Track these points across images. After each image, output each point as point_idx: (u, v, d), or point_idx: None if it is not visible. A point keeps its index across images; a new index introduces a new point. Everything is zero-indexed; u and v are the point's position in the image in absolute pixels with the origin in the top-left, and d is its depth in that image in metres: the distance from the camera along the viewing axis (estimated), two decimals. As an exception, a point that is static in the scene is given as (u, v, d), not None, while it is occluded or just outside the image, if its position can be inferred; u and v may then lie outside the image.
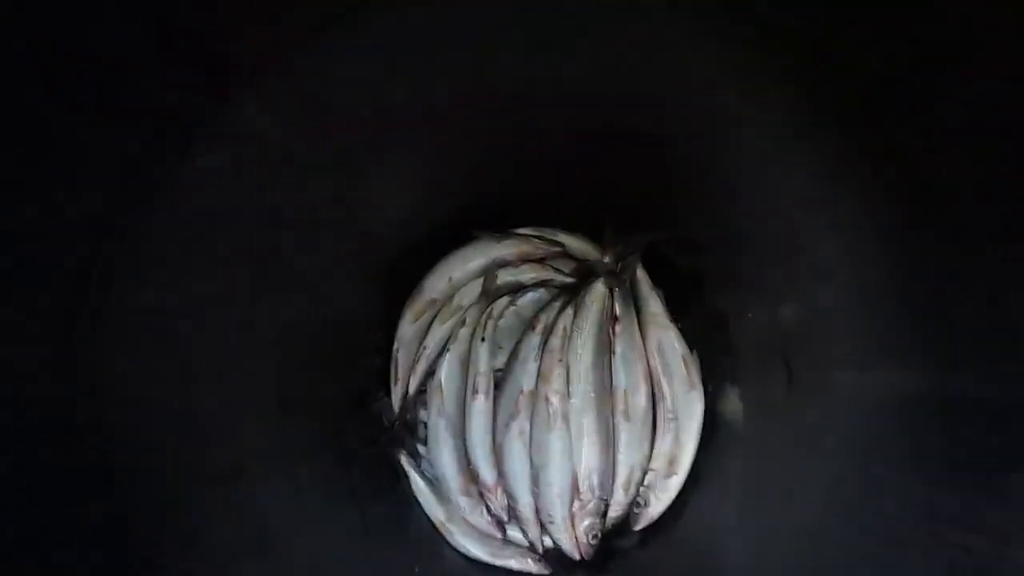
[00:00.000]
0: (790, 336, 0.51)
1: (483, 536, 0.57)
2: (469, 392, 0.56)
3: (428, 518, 0.58)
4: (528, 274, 0.57)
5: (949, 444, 0.41)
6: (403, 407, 0.58)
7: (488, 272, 0.56)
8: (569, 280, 0.59)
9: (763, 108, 0.44)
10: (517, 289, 0.58)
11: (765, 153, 0.47)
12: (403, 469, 0.58)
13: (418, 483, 0.58)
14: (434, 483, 0.58)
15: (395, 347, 0.58)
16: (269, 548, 0.47)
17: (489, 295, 0.56)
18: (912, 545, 0.41)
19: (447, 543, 0.57)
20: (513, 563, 0.57)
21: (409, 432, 0.58)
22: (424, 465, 0.59)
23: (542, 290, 0.59)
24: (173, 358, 0.42)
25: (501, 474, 0.56)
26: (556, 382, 0.56)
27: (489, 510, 0.56)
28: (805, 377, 0.51)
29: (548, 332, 0.58)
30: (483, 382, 0.55)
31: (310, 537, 0.51)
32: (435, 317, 0.58)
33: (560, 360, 0.57)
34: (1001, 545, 0.36)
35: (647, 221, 0.57)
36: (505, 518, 0.57)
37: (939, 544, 0.39)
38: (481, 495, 0.57)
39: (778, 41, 0.39)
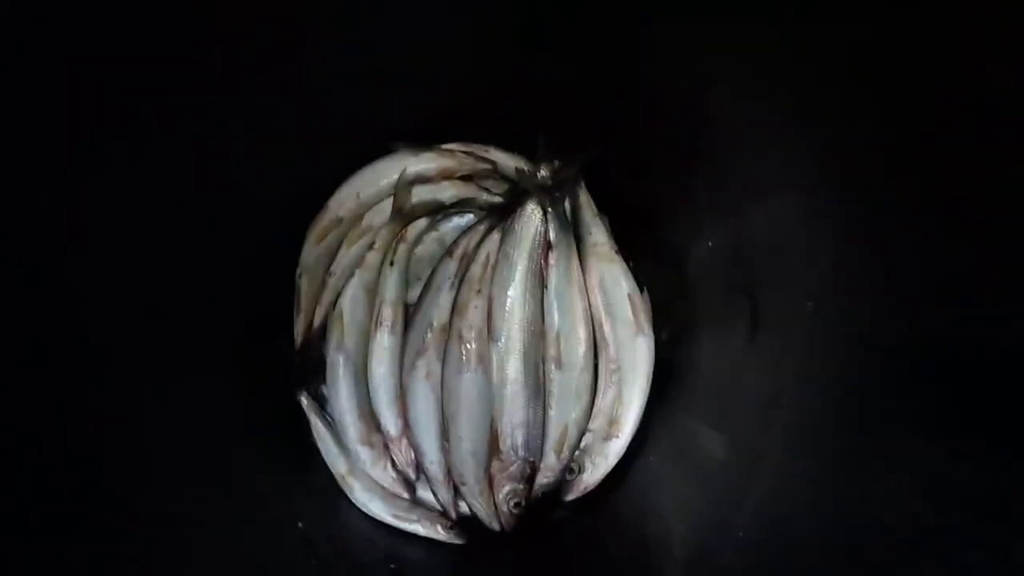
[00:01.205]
0: (753, 263, 0.41)
1: (389, 495, 0.50)
2: (373, 324, 0.48)
3: (328, 470, 0.51)
4: (449, 191, 0.49)
5: (934, 396, 0.30)
6: (305, 341, 0.51)
7: (400, 187, 0.48)
8: (497, 200, 0.50)
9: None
10: (437, 210, 0.50)
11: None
12: (303, 413, 0.51)
13: (319, 429, 0.51)
14: (336, 430, 0.51)
15: (297, 272, 0.51)
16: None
17: (402, 214, 0.49)
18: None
19: (346, 499, 0.50)
20: (419, 528, 0.49)
21: (313, 370, 0.52)
22: (329, 409, 0.52)
23: (469, 215, 0.51)
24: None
25: (407, 423, 0.48)
26: (473, 317, 0.48)
27: (395, 464, 0.49)
28: (773, 317, 0.41)
29: (469, 259, 0.50)
30: (388, 313, 0.48)
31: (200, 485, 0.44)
32: (343, 239, 0.51)
33: (479, 291, 0.49)
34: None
35: (589, 138, 0.48)
36: (413, 476, 0.49)
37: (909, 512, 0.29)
38: (386, 447, 0.49)
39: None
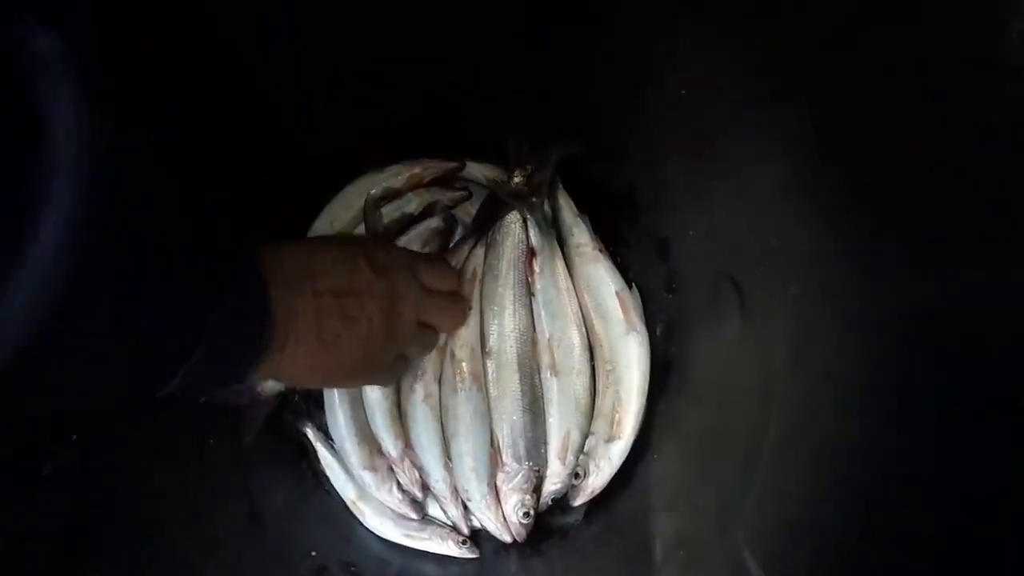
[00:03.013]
0: (734, 249, 0.40)
1: (398, 516, 0.51)
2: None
3: (340, 497, 0.52)
4: (414, 202, 0.49)
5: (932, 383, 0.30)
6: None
7: (368, 211, 0.49)
8: (466, 200, 0.51)
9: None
10: (408, 224, 0.50)
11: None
12: (309, 443, 0.52)
13: (326, 457, 0.52)
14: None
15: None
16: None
17: (377, 236, 0.49)
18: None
19: (360, 524, 0.51)
20: (432, 545, 0.50)
21: (314, 400, 0.53)
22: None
23: (435, 224, 0.50)
24: None
25: (408, 445, 0.49)
26: (465, 334, 0.49)
27: (400, 486, 0.50)
28: (760, 302, 0.40)
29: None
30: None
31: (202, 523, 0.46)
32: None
33: (468, 309, 0.49)
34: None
35: (561, 134, 0.48)
36: (419, 495, 0.50)
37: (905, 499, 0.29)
38: (391, 469, 0.50)
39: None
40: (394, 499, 0.51)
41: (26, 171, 0.19)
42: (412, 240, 0.49)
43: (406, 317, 0.40)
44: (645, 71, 0.40)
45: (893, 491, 0.31)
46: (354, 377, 0.42)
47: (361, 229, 0.51)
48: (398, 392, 0.50)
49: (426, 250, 0.49)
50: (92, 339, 0.23)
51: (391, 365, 0.43)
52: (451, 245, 0.53)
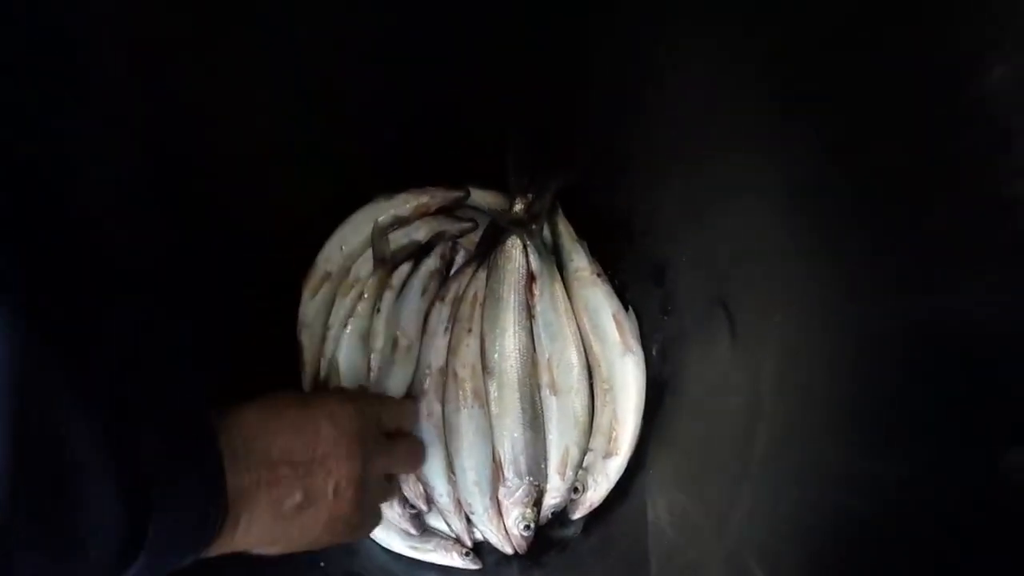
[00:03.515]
0: (727, 275, 0.43)
1: (403, 529, 0.53)
2: (367, 371, 0.52)
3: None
4: (422, 230, 0.52)
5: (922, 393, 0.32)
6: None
7: (376, 237, 0.51)
8: (472, 231, 0.53)
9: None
10: (416, 252, 0.53)
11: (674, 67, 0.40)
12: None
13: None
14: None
15: (298, 329, 0.55)
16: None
17: (384, 262, 0.52)
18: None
19: (366, 537, 0.53)
20: (436, 557, 0.53)
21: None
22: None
23: (440, 250, 0.53)
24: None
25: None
26: (466, 355, 0.52)
27: (400, 501, 0.52)
28: (748, 325, 0.43)
29: (458, 300, 0.53)
30: (377, 360, 0.51)
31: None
32: (335, 293, 0.54)
33: (470, 331, 0.52)
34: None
35: (559, 164, 0.50)
36: (424, 508, 0.52)
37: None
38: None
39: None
40: (394, 513, 0.53)
41: None
42: (414, 284, 0.52)
43: (375, 476, 0.41)
44: (639, 105, 0.43)
45: (870, 508, 0.33)
46: (321, 542, 0.39)
47: (368, 254, 0.54)
48: (405, 410, 0.53)
49: (429, 286, 0.53)
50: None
51: (361, 521, 0.41)
52: (453, 271, 0.56)
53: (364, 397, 0.48)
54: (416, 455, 0.49)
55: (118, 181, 0.42)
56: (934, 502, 0.33)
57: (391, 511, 0.52)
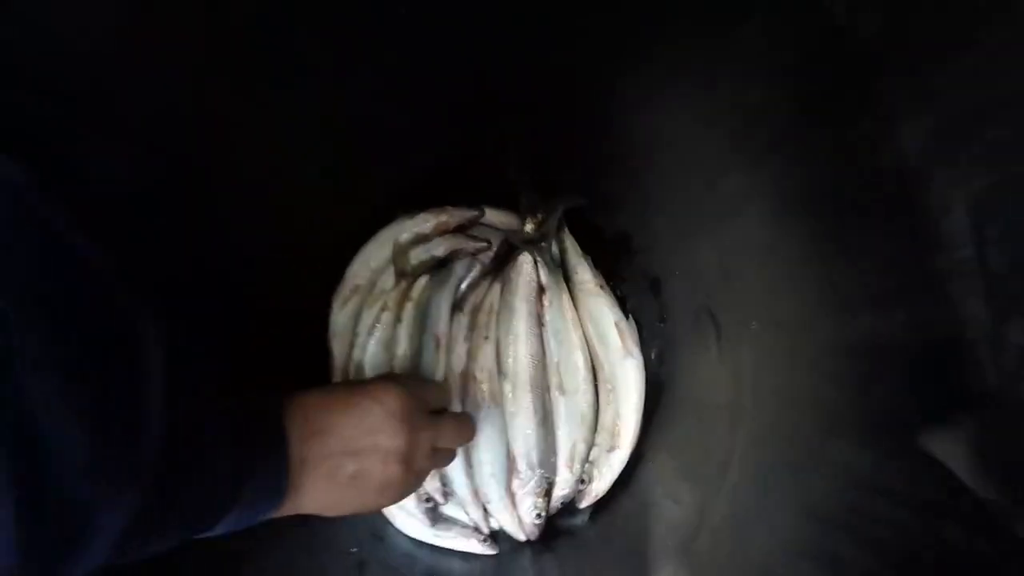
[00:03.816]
0: (714, 288, 0.49)
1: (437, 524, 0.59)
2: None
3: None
4: (441, 247, 0.58)
5: (883, 392, 0.38)
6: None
7: (396, 254, 0.57)
8: (490, 253, 0.59)
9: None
10: (434, 266, 0.59)
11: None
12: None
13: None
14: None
15: (329, 337, 0.60)
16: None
17: (405, 274, 0.58)
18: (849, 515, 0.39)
19: (391, 525, 0.59)
20: (457, 544, 0.58)
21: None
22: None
23: (462, 262, 0.59)
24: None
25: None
26: (484, 360, 0.57)
27: (418, 495, 0.57)
28: (731, 333, 0.49)
29: (476, 311, 0.59)
30: (399, 367, 0.56)
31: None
32: (363, 304, 0.59)
33: (487, 337, 0.58)
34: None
35: (565, 188, 0.57)
36: (442, 500, 0.58)
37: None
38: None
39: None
40: (411, 504, 0.58)
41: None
42: (443, 280, 0.58)
43: (422, 450, 0.45)
44: (636, 141, 0.49)
45: (836, 487, 0.39)
46: (371, 506, 0.44)
47: (391, 268, 0.60)
48: (427, 409, 0.59)
49: (465, 281, 0.59)
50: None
51: (408, 488, 0.46)
52: (468, 284, 0.61)
53: (409, 380, 0.52)
54: (464, 428, 0.53)
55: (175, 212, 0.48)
56: (894, 483, 0.38)
57: (409, 502, 0.58)
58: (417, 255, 0.60)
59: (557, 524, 0.60)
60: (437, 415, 0.49)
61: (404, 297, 0.59)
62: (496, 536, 0.60)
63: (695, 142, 0.49)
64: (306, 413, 0.40)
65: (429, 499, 0.58)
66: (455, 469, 0.58)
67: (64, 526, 0.23)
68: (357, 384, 0.47)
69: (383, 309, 0.58)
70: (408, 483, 0.45)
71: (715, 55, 0.41)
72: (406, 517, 0.59)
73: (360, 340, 0.60)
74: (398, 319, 0.58)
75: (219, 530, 0.35)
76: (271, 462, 0.36)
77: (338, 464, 0.40)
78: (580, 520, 0.60)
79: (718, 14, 0.34)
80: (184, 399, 0.30)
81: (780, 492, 0.41)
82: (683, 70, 0.45)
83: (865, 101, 0.36)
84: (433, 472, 0.58)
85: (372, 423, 0.42)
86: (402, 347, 0.57)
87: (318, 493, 0.40)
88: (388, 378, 0.52)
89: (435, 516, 0.59)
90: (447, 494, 0.59)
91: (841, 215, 0.40)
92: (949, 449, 0.29)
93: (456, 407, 0.58)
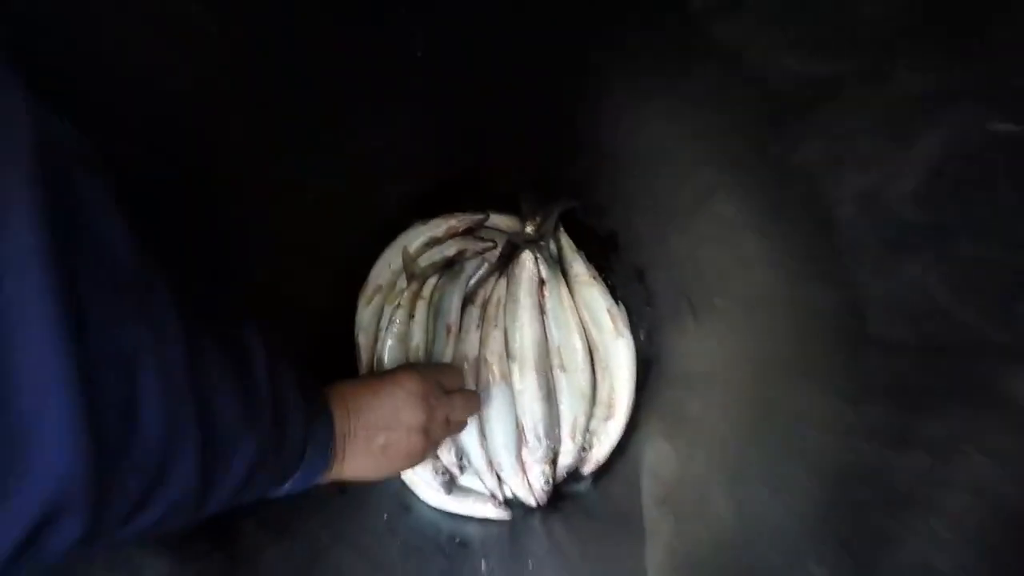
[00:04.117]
0: (687, 276, 0.58)
1: (455, 492, 0.66)
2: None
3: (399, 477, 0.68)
4: (452, 248, 0.66)
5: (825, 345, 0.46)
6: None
7: (406, 260, 0.66)
8: (495, 251, 0.68)
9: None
10: (444, 265, 0.67)
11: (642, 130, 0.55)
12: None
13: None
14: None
15: (356, 332, 0.69)
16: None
17: (415, 276, 0.66)
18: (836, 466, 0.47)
19: (415, 496, 0.67)
20: (474, 511, 0.66)
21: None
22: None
23: (472, 262, 0.68)
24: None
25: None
26: (494, 346, 0.66)
27: (435, 469, 0.65)
28: (704, 312, 0.57)
29: (485, 303, 0.67)
30: (412, 357, 0.65)
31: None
32: (385, 301, 0.68)
33: (496, 326, 0.67)
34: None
35: (560, 193, 0.66)
36: (457, 472, 0.66)
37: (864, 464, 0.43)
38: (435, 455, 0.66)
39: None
40: (430, 476, 0.66)
41: None
42: (452, 279, 0.67)
43: (439, 422, 0.54)
44: (620, 157, 0.58)
45: (803, 437, 0.47)
46: (401, 469, 0.54)
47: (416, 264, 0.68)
48: (445, 391, 0.67)
49: (474, 277, 0.68)
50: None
51: (428, 453, 0.55)
52: (477, 280, 0.70)
53: (425, 367, 0.62)
54: (472, 402, 0.61)
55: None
56: (850, 419, 0.46)
57: (428, 475, 0.66)
58: (428, 257, 0.69)
59: (563, 490, 0.68)
60: (449, 393, 0.57)
61: (416, 296, 0.68)
62: (509, 503, 0.68)
63: (666, 158, 0.57)
64: (343, 396, 0.48)
65: (446, 471, 0.66)
66: (472, 442, 0.66)
67: (222, 459, 0.32)
68: (383, 373, 0.56)
69: (398, 307, 0.67)
70: (427, 450, 0.53)
71: (678, 91, 0.50)
72: (426, 488, 0.67)
73: (382, 334, 0.68)
74: (411, 315, 0.67)
75: (283, 491, 0.43)
76: (322, 435, 0.44)
77: (371, 437, 0.48)
78: (583, 486, 0.68)
79: (678, 59, 0.42)
80: (276, 371, 0.38)
81: (757, 444, 0.49)
82: (654, 104, 0.54)
83: (786, 136, 0.45)
84: (451, 447, 0.66)
85: (396, 403, 0.51)
86: (415, 340, 0.66)
87: (355, 461, 0.48)
88: (408, 366, 0.61)
89: (451, 486, 0.67)
90: (462, 467, 0.67)
91: (778, 212, 0.49)
92: (869, 383, 0.38)
93: (470, 385, 0.66)
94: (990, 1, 0.30)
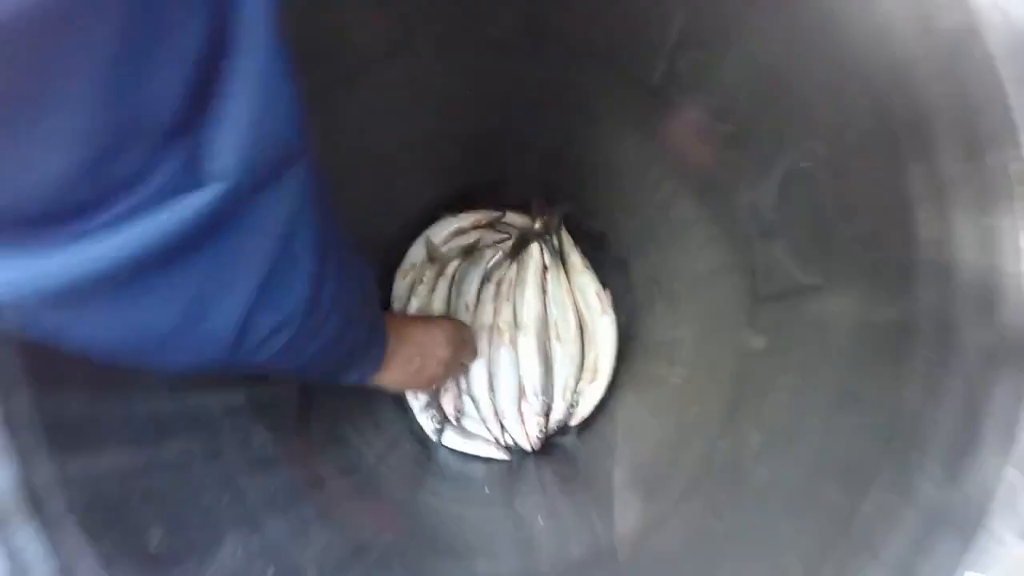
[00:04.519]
0: (657, 267, 0.74)
1: (464, 433, 0.82)
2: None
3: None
4: (474, 236, 0.84)
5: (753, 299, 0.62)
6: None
7: (429, 246, 0.83)
8: (509, 243, 0.85)
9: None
10: (465, 251, 0.84)
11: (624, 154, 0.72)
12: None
13: (412, 404, 0.83)
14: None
15: (392, 300, 0.85)
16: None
17: (435, 260, 0.83)
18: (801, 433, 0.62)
19: (440, 444, 0.82)
20: (482, 452, 0.81)
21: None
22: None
23: (490, 249, 0.84)
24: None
25: (467, 380, 0.81)
26: (505, 316, 0.82)
27: (435, 417, 0.81)
28: (667, 293, 0.73)
29: (500, 282, 0.84)
30: None
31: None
32: (416, 277, 0.84)
33: (508, 300, 0.83)
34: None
35: (562, 199, 0.82)
36: (454, 423, 0.82)
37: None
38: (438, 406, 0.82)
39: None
40: (430, 423, 0.82)
41: None
42: (471, 263, 0.83)
43: (455, 360, 0.71)
44: (611, 176, 0.74)
45: (740, 371, 0.63)
46: (423, 387, 0.73)
47: (441, 251, 0.85)
48: (462, 352, 0.83)
49: (491, 262, 0.85)
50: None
51: (445, 376, 0.72)
52: (493, 263, 0.86)
53: (460, 323, 0.78)
54: (472, 353, 0.80)
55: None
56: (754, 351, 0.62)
57: (427, 420, 0.81)
58: (456, 243, 0.85)
59: (553, 440, 0.83)
60: (466, 343, 0.75)
61: (438, 275, 0.85)
62: (509, 448, 0.83)
63: (639, 174, 0.73)
64: (394, 325, 0.64)
65: (445, 418, 0.82)
66: (482, 395, 0.82)
67: (327, 315, 0.40)
68: (431, 317, 0.73)
69: (422, 282, 0.84)
70: (444, 377, 0.72)
71: (647, 126, 0.67)
72: (447, 435, 0.83)
73: (408, 304, 0.85)
74: (432, 290, 0.83)
75: (342, 379, 0.57)
76: (376, 347, 0.59)
77: (409, 358, 0.64)
78: (570, 438, 0.83)
79: (646, 108, 0.60)
80: (373, 292, 0.54)
81: (710, 391, 0.65)
82: (631, 135, 0.70)
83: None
84: (457, 397, 0.82)
85: (435, 339, 0.67)
86: (436, 308, 0.82)
87: (393, 374, 0.62)
88: (447, 318, 0.79)
89: (441, 433, 0.82)
90: (458, 418, 0.83)
91: (713, 216, 0.65)
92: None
93: (484, 344, 0.82)
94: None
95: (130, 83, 0.21)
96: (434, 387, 0.80)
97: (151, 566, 0.33)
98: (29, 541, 0.29)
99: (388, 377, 0.62)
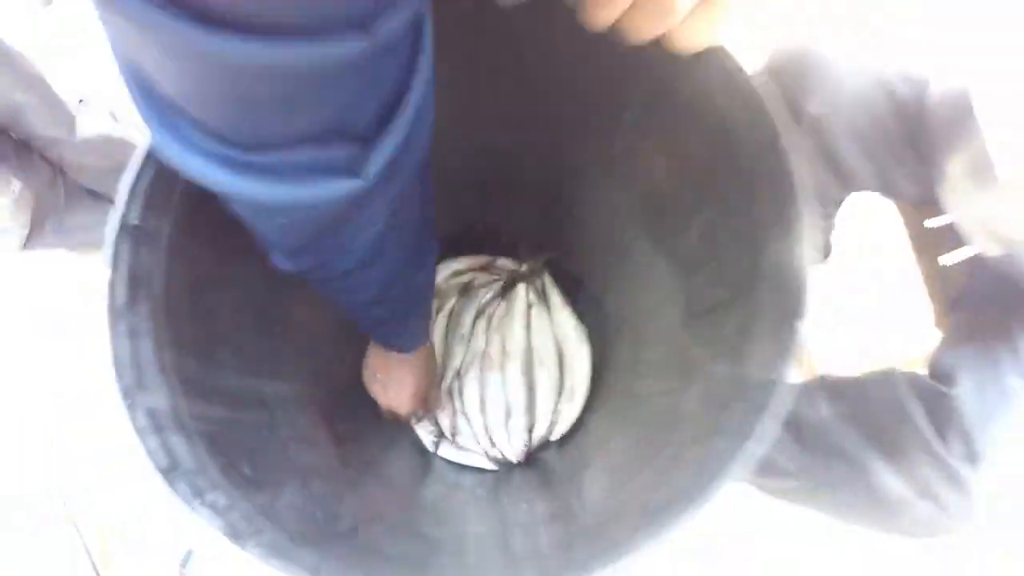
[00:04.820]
0: (623, 301, 0.90)
1: (458, 446, 0.94)
2: (438, 354, 0.96)
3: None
4: (469, 277, 1.00)
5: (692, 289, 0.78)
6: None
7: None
8: (499, 283, 1.00)
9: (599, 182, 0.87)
10: (461, 290, 1.00)
11: (600, 204, 0.89)
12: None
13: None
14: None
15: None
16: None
17: (437, 296, 0.99)
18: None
19: (435, 454, 0.94)
20: (472, 461, 0.93)
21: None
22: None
23: (484, 288, 1.00)
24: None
25: (461, 401, 0.94)
26: (495, 344, 0.97)
27: (431, 432, 0.94)
28: (630, 325, 0.89)
29: (491, 317, 0.99)
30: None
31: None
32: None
33: (497, 332, 0.98)
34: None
35: (546, 246, 0.99)
36: (449, 437, 0.94)
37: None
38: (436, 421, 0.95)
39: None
40: (426, 435, 0.94)
41: None
42: (468, 300, 0.98)
43: (419, 396, 0.84)
44: (587, 222, 0.91)
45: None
46: (389, 406, 0.84)
47: (441, 289, 1.00)
48: (458, 377, 0.96)
49: (484, 299, 0.99)
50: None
51: (407, 407, 0.85)
52: (486, 300, 1.01)
53: (434, 363, 0.93)
54: (438, 400, 0.95)
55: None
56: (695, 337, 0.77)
57: (427, 436, 0.94)
58: (452, 283, 1.01)
59: (536, 453, 0.95)
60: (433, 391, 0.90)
61: (437, 310, 1.00)
62: (497, 460, 0.95)
63: (611, 222, 0.91)
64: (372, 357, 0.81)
65: (442, 433, 0.95)
66: (474, 413, 0.95)
67: (381, 249, 0.47)
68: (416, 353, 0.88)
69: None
70: (408, 407, 0.85)
71: (614, 177, 0.85)
72: (442, 447, 0.95)
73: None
74: (433, 323, 0.98)
75: (380, 331, 0.72)
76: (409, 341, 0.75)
77: (381, 370, 0.81)
78: (551, 451, 0.96)
79: (613, 160, 0.78)
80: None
81: (671, 402, 0.79)
82: (603, 189, 0.89)
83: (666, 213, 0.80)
84: (454, 415, 0.95)
85: (404, 367, 0.82)
86: (436, 340, 0.96)
87: (371, 376, 0.80)
88: (431, 351, 0.93)
89: (437, 445, 0.95)
90: (454, 434, 0.95)
91: (660, 253, 0.82)
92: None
93: (477, 369, 0.96)
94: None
95: (357, 103, 0.30)
96: (401, 415, 0.91)
97: (245, 484, 0.45)
98: (178, 445, 0.42)
99: (367, 378, 0.78)
